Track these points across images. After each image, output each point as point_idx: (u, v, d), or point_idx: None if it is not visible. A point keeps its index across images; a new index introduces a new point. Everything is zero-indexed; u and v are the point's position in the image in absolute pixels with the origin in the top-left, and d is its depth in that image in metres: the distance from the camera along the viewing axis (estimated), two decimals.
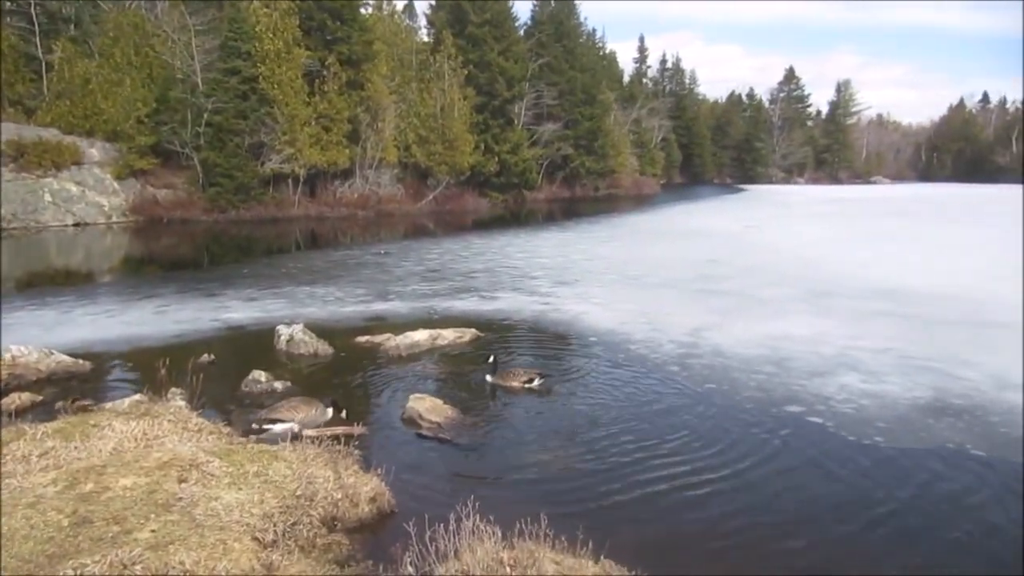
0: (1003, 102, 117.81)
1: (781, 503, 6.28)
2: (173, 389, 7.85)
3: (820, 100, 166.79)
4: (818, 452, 7.40)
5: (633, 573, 4.70)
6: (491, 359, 9.51)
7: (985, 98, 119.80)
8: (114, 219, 32.97)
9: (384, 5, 50.99)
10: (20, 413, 7.49)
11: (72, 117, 34.36)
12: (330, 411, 7.27)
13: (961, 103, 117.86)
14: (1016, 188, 76.24)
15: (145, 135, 34.23)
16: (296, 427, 6.96)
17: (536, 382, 9.25)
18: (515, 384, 9.18)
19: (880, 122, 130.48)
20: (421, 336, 11.37)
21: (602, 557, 4.79)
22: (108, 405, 7.10)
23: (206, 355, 10.11)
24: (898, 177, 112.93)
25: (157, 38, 36.71)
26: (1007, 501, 6.36)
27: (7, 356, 8.94)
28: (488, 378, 9.34)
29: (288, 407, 7.11)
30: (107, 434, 5.93)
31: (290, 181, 37.34)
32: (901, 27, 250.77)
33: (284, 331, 11.00)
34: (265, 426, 6.97)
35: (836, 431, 7.86)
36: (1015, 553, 5.51)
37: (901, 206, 50.27)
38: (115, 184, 33.77)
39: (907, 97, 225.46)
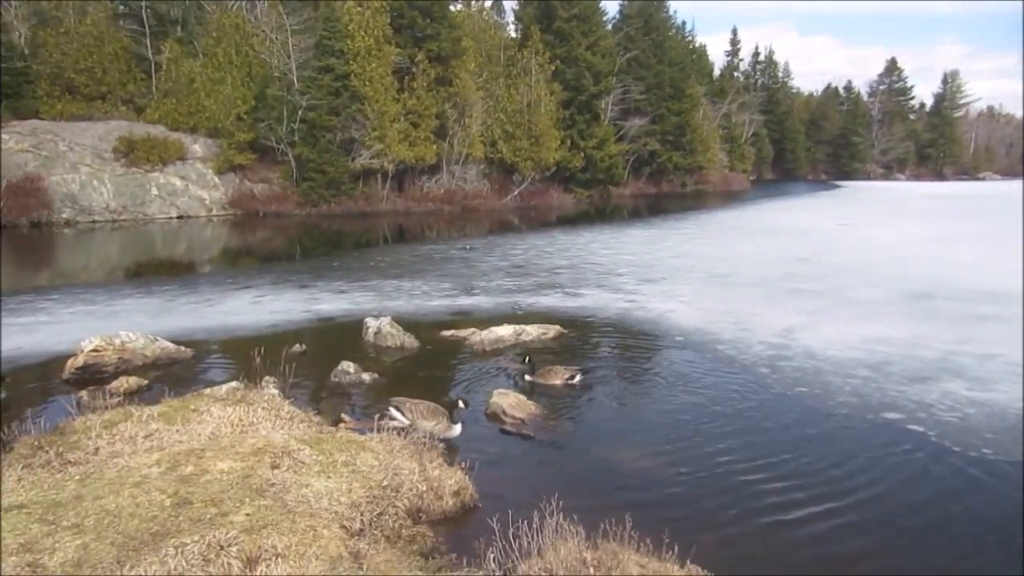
0: None
1: (875, 515, 5.97)
2: (267, 377, 8.16)
3: (923, 93, 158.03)
4: (919, 462, 7.01)
5: None
6: (527, 359, 9.51)
7: None
8: (214, 212, 34.70)
9: (473, 2, 51.57)
10: (128, 395, 8.00)
11: (177, 114, 36.39)
12: (457, 427, 7.23)
13: None
14: None
15: (244, 131, 35.84)
16: (405, 424, 7.04)
17: (577, 379, 9.19)
18: (556, 382, 9.10)
19: (990, 115, 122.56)
20: (505, 331, 11.41)
21: (688, 562, 4.68)
22: (207, 391, 7.44)
23: (298, 345, 10.46)
24: (1009, 173, 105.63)
25: (256, 38, 38.38)
26: None
27: (117, 342, 9.49)
28: (527, 377, 9.30)
29: (413, 407, 7.20)
30: (206, 419, 6.22)
31: (379, 176, 38.25)
32: (1007, 15, 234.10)
33: (372, 324, 11.26)
34: (387, 411, 7.20)
35: (939, 440, 7.44)
36: None
37: (1010, 203, 47.00)
38: (215, 179, 35.53)
39: (1019, 88, 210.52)
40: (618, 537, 4.71)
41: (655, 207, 45.73)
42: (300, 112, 35.13)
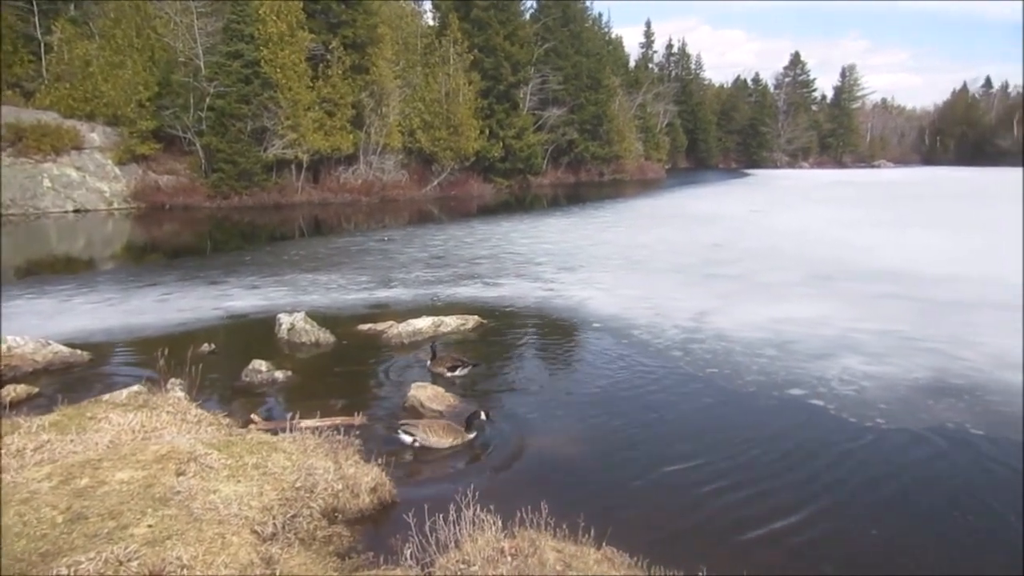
0: (1005, 87, 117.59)
1: (781, 487, 6.23)
2: (173, 380, 7.79)
3: (825, 85, 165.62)
4: (819, 435, 7.39)
5: (635, 558, 4.65)
6: (431, 347, 9.44)
7: (988, 83, 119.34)
8: (115, 205, 32.92)
9: None
10: (15, 406, 7.38)
11: (72, 100, 34.12)
12: (473, 434, 7.05)
13: (964, 88, 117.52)
14: (1017, 172, 76.05)
15: (147, 119, 34.08)
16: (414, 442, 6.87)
17: (459, 371, 9.02)
18: (441, 371, 8.98)
19: (884, 106, 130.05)
20: (424, 324, 11.29)
21: (604, 543, 4.76)
22: (105, 397, 7.03)
23: (207, 344, 10.05)
24: (901, 161, 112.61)
25: (159, 20, 36.42)
26: (1005, 479, 6.36)
27: (3, 347, 8.87)
28: (428, 363, 9.24)
29: (427, 427, 6.93)
30: (103, 427, 5.87)
31: (293, 167, 37.20)
32: (905, 13, 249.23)
33: (285, 320, 10.93)
34: (398, 431, 6.92)
35: (837, 413, 7.85)
36: (1012, 533, 5.45)
37: (904, 190, 49.99)
38: (116, 170, 33.68)
39: (911, 82, 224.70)
40: (535, 524, 4.74)
41: (574, 196, 46.26)
42: (208, 99, 33.74)
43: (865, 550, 5.31)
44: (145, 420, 6.09)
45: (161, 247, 24.06)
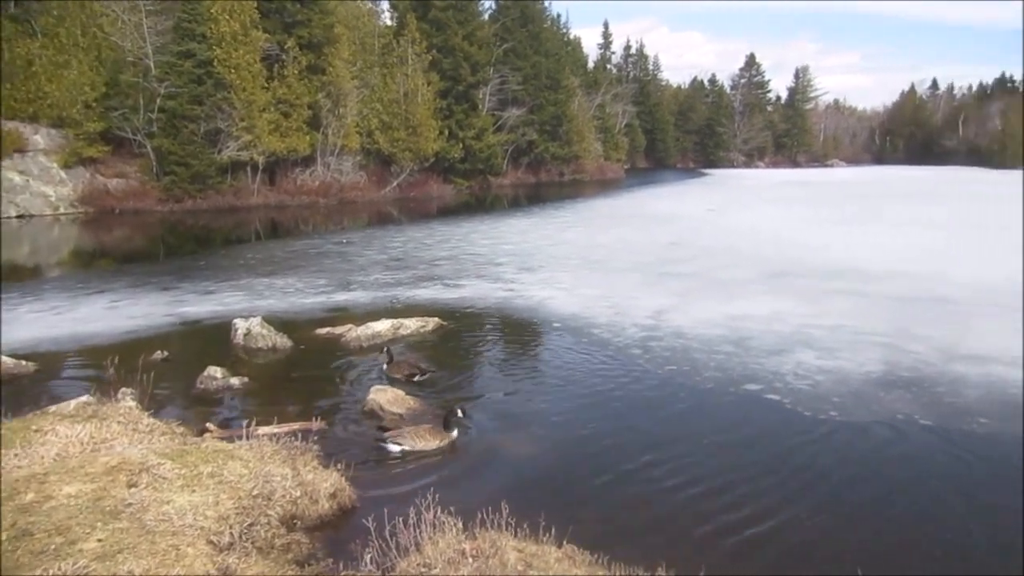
0: (951, 88, 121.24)
1: (738, 481, 6.35)
2: (123, 389, 7.59)
3: (779, 86, 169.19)
4: (775, 429, 7.55)
5: (596, 556, 4.68)
6: (386, 350, 9.39)
7: (934, 84, 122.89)
8: (61, 210, 31.84)
9: None
10: None
11: (13, 101, 32.74)
12: (455, 433, 7.06)
13: (912, 89, 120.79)
14: (962, 170, 78.99)
15: (94, 121, 33.05)
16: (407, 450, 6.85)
17: (418, 377, 8.99)
18: (398, 376, 8.90)
19: (837, 107, 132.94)
20: (383, 326, 11.21)
21: (565, 542, 4.78)
22: (52, 408, 6.80)
23: (159, 352, 9.81)
24: (854, 160, 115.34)
25: (105, 18, 35.31)
26: (950, 467, 6.59)
27: None
28: (384, 367, 9.17)
29: (413, 433, 6.90)
30: (50, 439, 5.68)
31: (249, 169, 36.52)
32: (856, 15, 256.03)
33: (241, 325, 10.74)
34: (384, 443, 6.85)
35: (793, 407, 8.03)
36: (955, 515, 5.64)
37: (855, 189, 51.27)
38: (62, 173, 32.57)
39: (861, 83, 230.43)
40: (496, 525, 4.74)
41: (534, 196, 46.39)
42: (159, 100, 32.92)
43: (817, 540, 5.43)
44: (94, 431, 5.92)
45: (111, 252, 23.42)
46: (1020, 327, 11.02)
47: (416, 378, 8.98)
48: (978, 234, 24.32)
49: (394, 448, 6.80)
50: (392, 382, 8.74)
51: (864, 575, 4.19)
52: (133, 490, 4.96)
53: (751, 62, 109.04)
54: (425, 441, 6.86)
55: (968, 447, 6.98)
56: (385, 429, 7.18)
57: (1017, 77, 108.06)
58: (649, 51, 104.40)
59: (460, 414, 7.19)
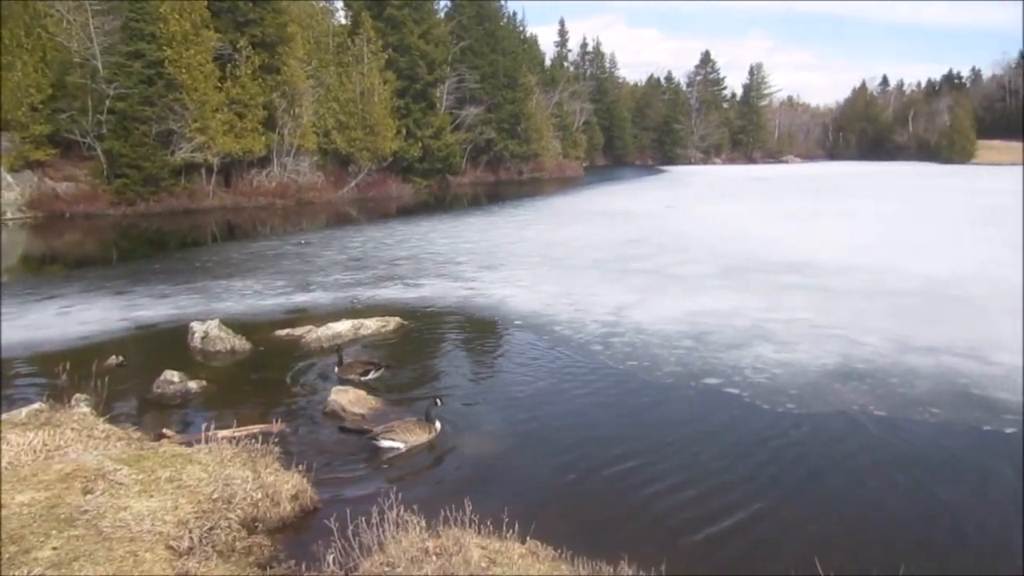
0: (900, 85, 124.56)
1: (699, 475, 6.48)
2: (77, 395, 7.44)
3: (735, 83, 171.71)
4: (735, 422, 7.70)
5: (559, 551, 4.73)
6: (337, 352, 9.37)
7: (885, 81, 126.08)
8: (8, 215, 30.83)
9: None
10: None
11: None
12: (438, 425, 7.17)
13: (863, 86, 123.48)
14: (912, 165, 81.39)
15: (40, 124, 32.09)
16: (403, 448, 6.88)
17: (372, 375, 8.95)
18: (352, 376, 8.86)
19: (791, 104, 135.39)
20: (343, 327, 11.15)
21: (528, 538, 4.82)
22: (3, 417, 6.63)
23: (114, 357, 9.62)
24: (808, 156, 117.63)
25: (50, 18, 34.30)
26: (904, 457, 6.78)
27: None
28: (336, 370, 9.13)
29: (403, 428, 6.95)
30: (2, 448, 5.55)
31: (203, 171, 35.84)
32: (807, 14, 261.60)
33: (198, 328, 10.58)
34: (376, 441, 6.85)
35: (751, 400, 8.19)
36: (909, 503, 5.84)
37: (811, 183, 52.41)
38: (8, 177, 31.54)
39: (814, 80, 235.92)
40: (460, 523, 4.76)
41: (493, 195, 46.43)
42: (108, 102, 32.09)
43: (776, 532, 5.57)
44: (47, 438, 5.80)
45: (61, 258, 22.79)
46: (971, 318, 11.41)
47: (371, 374, 8.92)
48: (928, 228, 25.08)
49: (387, 445, 6.83)
50: (346, 383, 8.67)
51: (820, 564, 4.30)
52: (89, 497, 4.88)
53: (706, 59, 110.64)
54: (416, 435, 6.95)
55: (920, 437, 7.17)
56: (364, 431, 7.16)
57: (964, 74, 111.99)
58: (606, 48, 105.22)
59: (439, 404, 7.31)
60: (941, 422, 7.48)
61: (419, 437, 6.97)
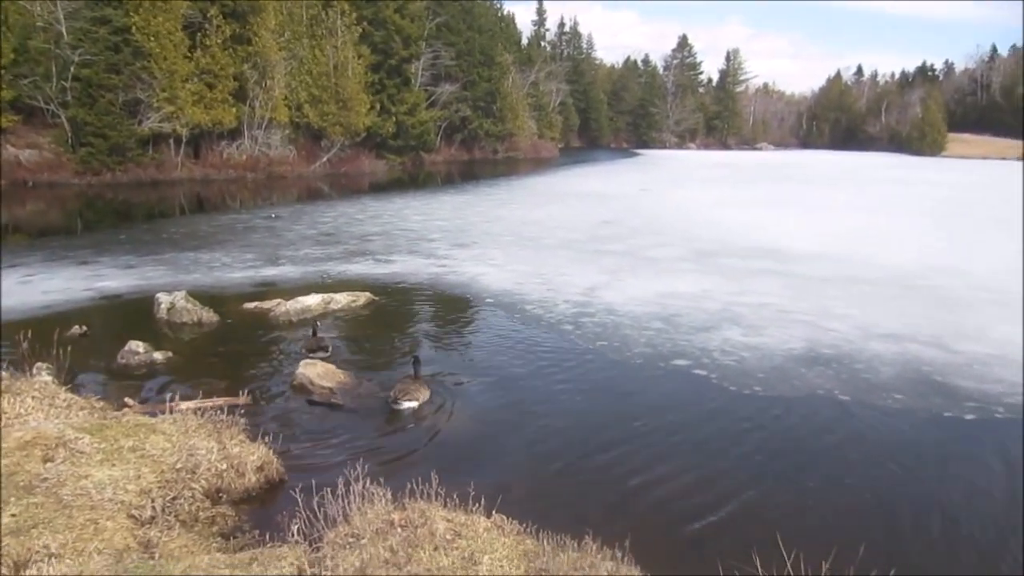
0: (874, 75, 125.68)
1: (665, 453, 6.56)
2: (39, 364, 7.29)
3: (711, 69, 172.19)
4: (703, 403, 7.79)
5: (524, 525, 4.76)
6: (314, 323, 9.34)
7: (859, 71, 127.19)
8: None
9: None
10: None
11: None
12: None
13: (838, 75, 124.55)
14: (883, 156, 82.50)
15: (2, 89, 31.17)
16: (417, 405, 7.29)
17: (320, 353, 8.68)
18: (306, 351, 8.73)
19: (766, 91, 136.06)
20: (313, 301, 11.07)
21: (494, 512, 4.83)
22: None
23: (77, 327, 9.43)
24: (781, 143, 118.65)
25: None
26: (866, 441, 6.92)
27: None
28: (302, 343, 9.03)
29: (414, 388, 7.36)
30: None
31: (171, 141, 35.10)
32: (785, 3, 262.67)
33: (164, 299, 10.43)
34: (397, 405, 7.19)
35: (719, 382, 8.29)
36: (872, 486, 5.98)
37: (783, 171, 52.95)
38: None
39: (790, 68, 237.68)
40: (426, 496, 4.77)
41: (467, 173, 46.21)
42: (73, 68, 31.22)
43: (738, 509, 5.65)
44: (7, 406, 5.68)
45: (24, 227, 22.18)
46: (935, 307, 11.64)
47: (317, 354, 8.63)
48: (897, 219, 25.50)
49: (407, 406, 7.21)
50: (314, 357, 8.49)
51: (782, 541, 4.37)
52: (49, 465, 4.81)
53: (683, 43, 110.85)
54: (423, 392, 7.42)
55: (883, 422, 7.30)
56: (332, 405, 7.27)
57: (938, 66, 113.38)
58: (583, 29, 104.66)
59: (419, 357, 7.86)
60: (904, 408, 7.61)
61: (425, 394, 7.41)
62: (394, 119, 47.11)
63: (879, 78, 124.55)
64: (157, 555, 4.19)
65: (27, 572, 3.77)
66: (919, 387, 8.22)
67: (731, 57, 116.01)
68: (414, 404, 7.23)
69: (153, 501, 4.78)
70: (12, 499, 4.37)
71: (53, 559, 3.89)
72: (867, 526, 5.39)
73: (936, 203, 31.05)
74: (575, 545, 4.43)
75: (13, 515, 4.20)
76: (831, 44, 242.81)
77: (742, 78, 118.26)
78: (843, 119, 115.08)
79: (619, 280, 13.49)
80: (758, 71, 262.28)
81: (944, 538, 5.34)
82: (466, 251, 16.61)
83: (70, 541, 4.06)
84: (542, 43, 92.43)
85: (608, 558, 4.30)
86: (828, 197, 32.68)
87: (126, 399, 6.91)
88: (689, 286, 13.02)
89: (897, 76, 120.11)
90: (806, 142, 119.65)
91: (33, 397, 6.06)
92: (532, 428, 7.00)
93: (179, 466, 5.20)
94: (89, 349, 8.75)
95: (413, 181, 40.68)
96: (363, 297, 11.65)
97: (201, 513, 5.00)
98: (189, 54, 34.69)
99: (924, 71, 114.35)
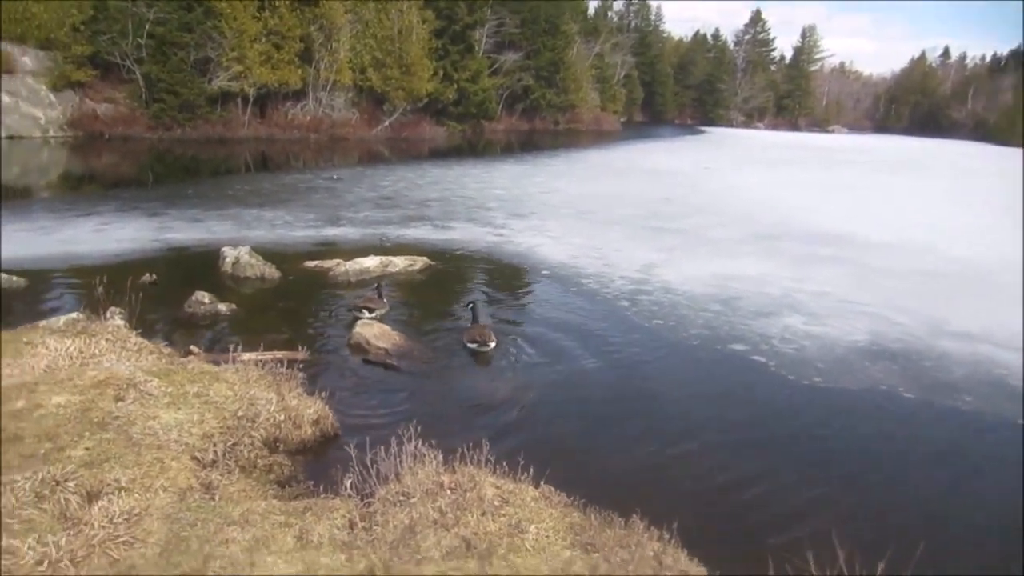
0: (963, 58, 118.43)
1: (718, 439, 6.46)
2: (112, 308, 7.61)
3: (784, 45, 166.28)
4: (760, 391, 7.61)
5: (572, 499, 4.77)
6: (378, 284, 9.45)
7: (946, 53, 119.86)
8: (51, 133, 31.28)
9: None
10: None
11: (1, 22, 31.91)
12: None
13: (923, 56, 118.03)
14: (967, 145, 77.90)
15: (82, 44, 32.17)
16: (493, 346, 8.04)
17: (365, 313, 8.74)
18: (354, 308, 8.93)
19: (842, 70, 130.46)
20: (371, 263, 11.24)
21: (543, 483, 4.85)
22: (42, 323, 6.83)
23: (147, 275, 9.81)
24: (855, 126, 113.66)
25: None
26: (932, 442, 6.68)
27: None
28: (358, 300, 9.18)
29: (488, 333, 8.13)
30: (40, 352, 5.73)
31: (239, 100, 35.89)
32: None
33: (229, 253, 10.73)
34: (476, 347, 7.98)
35: (778, 371, 8.06)
36: (936, 490, 5.81)
37: (855, 156, 51.06)
38: (51, 96, 31.87)
39: (869, 47, 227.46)
40: (476, 461, 4.81)
41: (527, 143, 45.92)
42: (147, 26, 32.05)
43: (791, 501, 5.51)
44: (83, 346, 5.96)
45: (99, 178, 23.10)
46: (1012, 307, 11.07)
47: (365, 314, 8.77)
48: (974, 211, 24.37)
49: (489, 347, 7.96)
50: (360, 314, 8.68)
51: (838, 542, 4.24)
52: (120, 404, 5.03)
53: (756, 18, 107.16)
54: (493, 338, 8.09)
55: (952, 423, 7.01)
56: (387, 365, 7.42)
57: None
58: (652, 1, 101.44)
59: (471, 306, 8.63)
60: (974, 411, 7.26)
61: (494, 339, 8.08)
62: (456, 86, 47.00)
63: (967, 61, 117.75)
64: (217, 497, 4.36)
65: (98, 503, 3.97)
66: (991, 390, 7.82)
67: (807, 34, 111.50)
68: (491, 346, 7.93)
69: (215, 445, 4.97)
70: (87, 433, 4.59)
71: (122, 492, 4.09)
72: (928, 529, 5.22)
73: (1018, 198, 29.54)
74: (622, 523, 4.42)
75: (87, 448, 4.42)
76: (916, 24, 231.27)
77: (817, 56, 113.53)
78: (924, 103, 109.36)
79: (677, 259, 13.29)
80: (835, 49, 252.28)
81: (1010, 545, 5.15)
82: (523, 221, 16.59)
83: (138, 476, 4.25)
84: (609, 13, 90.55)
85: (655, 539, 4.27)
86: (901, 184, 31.43)
87: (191, 347, 7.18)
88: (749, 269, 12.71)
89: (988, 60, 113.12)
90: (882, 126, 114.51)
91: (107, 339, 6.33)
92: (583, 402, 7.00)
93: (240, 414, 5.37)
94: (158, 297, 9.08)
95: (472, 149, 40.67)
96: (420, 261, 11.78)
97: (259, 460, 5.18)
98: (257, 15, 35.26)
99: (1018, 55, 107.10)
